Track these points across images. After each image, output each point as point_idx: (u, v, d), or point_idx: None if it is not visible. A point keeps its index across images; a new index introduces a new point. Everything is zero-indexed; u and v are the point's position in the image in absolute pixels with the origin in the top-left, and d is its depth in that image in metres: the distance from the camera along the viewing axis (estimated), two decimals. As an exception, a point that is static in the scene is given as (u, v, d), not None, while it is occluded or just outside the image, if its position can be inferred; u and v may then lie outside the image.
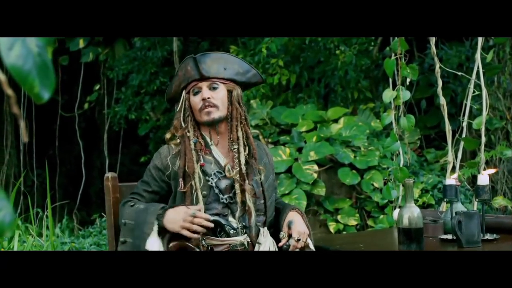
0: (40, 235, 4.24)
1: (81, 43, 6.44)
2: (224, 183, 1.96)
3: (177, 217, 1.84)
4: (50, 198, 6.64)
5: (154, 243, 1.84)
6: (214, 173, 1.96)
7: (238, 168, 1.95)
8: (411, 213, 1.79)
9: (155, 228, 1.85)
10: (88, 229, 5.32)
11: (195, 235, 1.85)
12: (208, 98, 1.95)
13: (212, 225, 1.85)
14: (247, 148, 2.00)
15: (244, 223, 1.97)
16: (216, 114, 1.96)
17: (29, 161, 6.94)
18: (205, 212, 1.90)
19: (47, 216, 5.07)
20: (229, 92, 1.99)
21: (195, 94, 1.98)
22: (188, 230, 1.83)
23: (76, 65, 6.75)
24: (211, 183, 1.94)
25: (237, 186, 1.95)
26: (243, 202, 1.96)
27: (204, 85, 1.97)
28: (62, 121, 7.02)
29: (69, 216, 6.33)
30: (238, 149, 1.97)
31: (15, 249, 3.26)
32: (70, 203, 6.70)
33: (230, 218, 1.97)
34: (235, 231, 1.94)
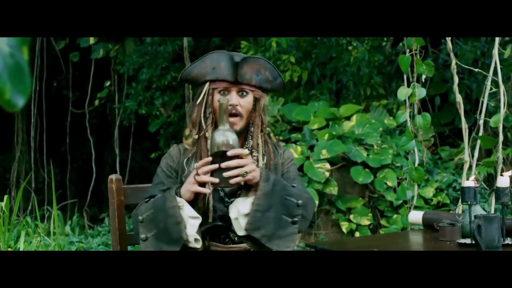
0: (50, 233, 4.21)
1: (92, 40, 6.42)
2: None
3: (187, 182, 1.77)
4: (61, 195, 6.65)
5: (188, 210, 1.74)
6: None
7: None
8: (224, 137, 1.71)
9: (179, 199, 1.75)
10: (97, 228, 5.29)
11: (207, 190, 1.73)
12: (236, 105, 1.88)
13: (215, 166, 1.71)
14: (265, 157, 1.93)
15: None
16: (238, 126, 1.89)
17: (40, 157, 6.93)
18: (210, 214, 1.85)
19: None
20: (256, 100, 1.92)
21: (222, 94, 1.90)
22: (199, 185, 1.73)
23: (87, 62, 6.73)
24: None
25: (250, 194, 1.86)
26: None
27: (234, 89, 1.89)
28: (73, 117, 7.00)
29: (80, 213, 6.31)
30: (257, 157, 1.91)
31: (21, 248, 3.23)
32: (82, 199, 6.69)
33: None
34: (240, 238, 1.88)
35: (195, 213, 1.75)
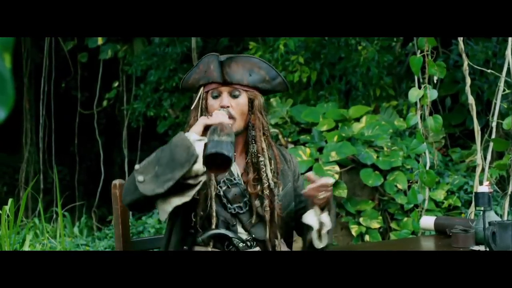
0: (62, 234, 4.19)
1: (100, 40, 6.41)
2: (233, 192, 1.85)
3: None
4: (70, 196, 6.64)
5: (195, 135, 1.67)
6: (223, 181, 1.85)
7: (267, 183, 1.85)
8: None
9: (186, 133, 1.68)
10: (104, 231, 5.26)
11: (217, 120, 1.70)
12: (228, 107, 1.82)
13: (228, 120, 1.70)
14: (272, 162, 1.89)
15: (255, 235, 1.85)
16: (233, 128, 1.81)
17: (48, 158, 6.93)
18: (212, 220, 1.80)
19: (64, 215, 5.04)
20: (251, 100, 1.86)
21: (214, 97, 1.85)
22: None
23: (95, 62, 6.72)
24: (219, 192, 1.83)
25: (266, 202, 1.84)
26: (258, 214, 1.86)
27: (225, 90, 1.84)
28: (82, 118, 7.00)
29: (89, 214, 6.30)
30: (264, 162, 1.86)
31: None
32: (91, 200, 6.68)
33: (240, 229, 1.85)
34: (244, 245, 1.83)
35: (199, 137, 1.69)
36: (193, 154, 1.63)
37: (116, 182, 1.90)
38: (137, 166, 1.69)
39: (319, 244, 1.85)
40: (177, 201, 1.66)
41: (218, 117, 1.70)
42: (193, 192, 1.66)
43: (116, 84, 6.80)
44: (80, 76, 7.02)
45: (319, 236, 1.84)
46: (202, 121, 1.70)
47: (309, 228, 1.84)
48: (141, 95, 6.10)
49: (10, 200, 3.23)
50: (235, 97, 1.84)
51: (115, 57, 6.50)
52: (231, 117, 1.81)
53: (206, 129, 1.70)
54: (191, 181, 1.64)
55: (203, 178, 1.67)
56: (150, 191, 1.63)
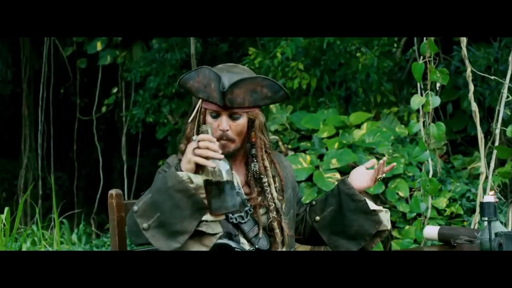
0: (58, 242, 4.15)
1: (99, 46, 6.37)
2: None
3: (186, 152, 1.68)
4: (69, 202, 6.61)
5: (197, 179, 1.62)
6: None
7: (273, 205, 1.86)
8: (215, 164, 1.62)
9: (182, 173, 1.63)
10: (103, 238, 5.22)
11: (211, 163, 1.62)
12: (227, 130, 1.82)
13: (217, 149, 1.63)
14: (276, 180, 1.89)
15: (257, 246, 1.84)
16: (230, 148, 1.84)
17: (47, 164, 6.91)
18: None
19: (62, 222, 5.00)
20: (251, 120, 1.86)
21: (213, 117, 1.84)
22: (200, 157, 1.63)
23: (94, 68, 6.71)
24: None
25: (275, 224, 1.86)
26: (257, 223, 1.85)
27: (225, 113, 1.83)
28: (81, 124, 6.98)
29: (88, 220, 6.26)
30: (268, 181, 1.86)
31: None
32: (90, 206, 6.66)
33: (242, 240, 1.84)
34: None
35: (198, 181, 1.64)
36: (202, 207, 1.62)
37: (113, 192, 1.87)
38: (135, 208, 1.66)
39: (388, 224, 2.00)
40: (195, 247, 1.68)
41: (207, 153, 1.63)
42: (213, 242, 1.69)
43: (115, 90, 6.79)
44: (79, 82, 7.01)
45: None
46: (194, 159, 1.64)
47: (374, 216, 1.97)
48: (140, 101, 6.08)
49: (6, 209, 3.20)
50: (234, 119, 1.84)
51: (114, 63, 6.48)
52: (228, 139, 1.82)
53: (198, 165, 1.66)
54: (209, 231, 1.68)
55: (220, 230, 1.70)
56: (166, 247, 1.62)
